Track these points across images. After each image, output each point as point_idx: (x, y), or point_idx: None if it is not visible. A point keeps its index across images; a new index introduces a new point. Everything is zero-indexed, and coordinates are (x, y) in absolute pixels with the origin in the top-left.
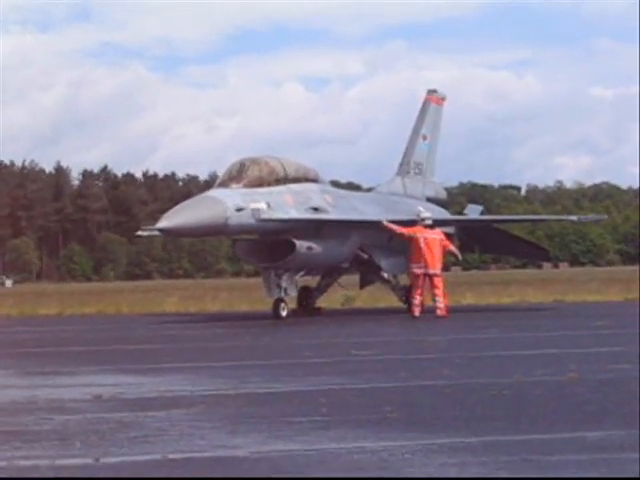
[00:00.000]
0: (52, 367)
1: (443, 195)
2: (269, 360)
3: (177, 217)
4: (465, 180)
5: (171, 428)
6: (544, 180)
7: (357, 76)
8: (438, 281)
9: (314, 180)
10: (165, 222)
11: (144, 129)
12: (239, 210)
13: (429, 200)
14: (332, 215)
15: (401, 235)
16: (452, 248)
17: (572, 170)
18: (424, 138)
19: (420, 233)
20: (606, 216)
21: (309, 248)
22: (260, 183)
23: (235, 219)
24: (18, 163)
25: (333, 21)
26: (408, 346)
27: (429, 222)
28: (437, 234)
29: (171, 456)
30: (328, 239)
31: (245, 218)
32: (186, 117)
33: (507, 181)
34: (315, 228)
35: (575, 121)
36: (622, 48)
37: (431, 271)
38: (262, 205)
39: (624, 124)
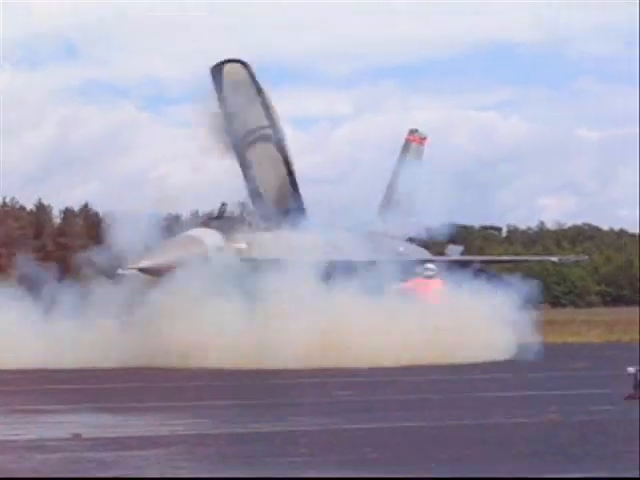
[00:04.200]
0: (32, 405)
1: (423, 235)
2: (249, 400)
3: (158, 257)
4: (446, 221)
5: (151, 467)
6: (527, 221)
7: (345, 116)
8: None
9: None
10: (145, 262)
11: (130, 168)
12: (219, 250)
13: (409, 240)
14: (314, 256)
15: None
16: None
17: (555, 211)
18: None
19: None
20: (587, 257)
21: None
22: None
23: (215, 259)
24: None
25: (320, 61)
26: (388, 387)
27: (429, 273)
28: (433, 283)
29: None
30: None
31: (225, 258)
32: (173, 156)
33: (489, 222)
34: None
35: (560, 162)
36: (607, 90)
37: None
38: (242, 245)
39: (610, 166)
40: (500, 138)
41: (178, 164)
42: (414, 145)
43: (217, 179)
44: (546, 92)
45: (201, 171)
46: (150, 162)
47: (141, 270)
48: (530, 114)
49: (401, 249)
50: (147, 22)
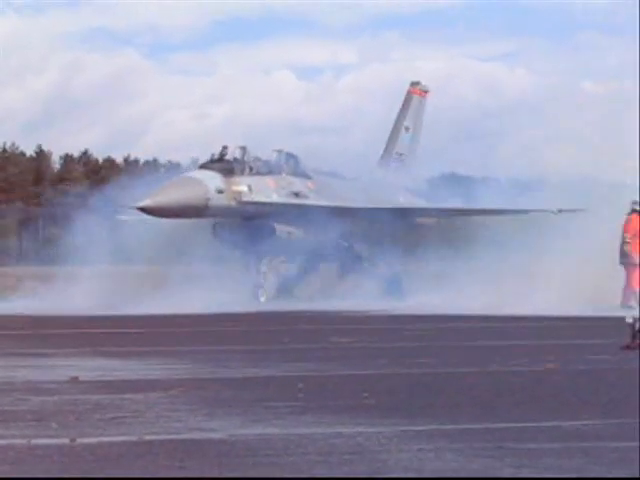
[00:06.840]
0: (30, 349)
1: (423, 186)
2: (247, 345)
3: (159, 197)
4: (448, 171)
5: (148, 410)
6: (529, 173)
7: (349, 66)
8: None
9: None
10: (147, 201)
11: (132, 115)
12: (220, 192)
13: (409, 190)
14: (313, 201)
15: None
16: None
17: (558, 164)
18: (407, 129)
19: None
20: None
21: (289, 233)
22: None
23: (216, 200)
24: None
25: (325, 10)
26: (387, 334)
27: (636, 207)
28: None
29: (147, 437)
30: (308, 225)
31: (226, 200)
32: (175, 104)
33: (491, 174)
34: (296, 213)
35: (563, 115)
36: (612, 43)
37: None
38: (243, 188)
39: (613, 119)
40: (504, 89)
41: (179, 112)
42: (416, 97)
43: (218, 128)
44: (550, 44)
45: (202, 119)
46: (151, 110)
47: (141, 210)
48: (534, 66)
49: (401, 199)
50: None
